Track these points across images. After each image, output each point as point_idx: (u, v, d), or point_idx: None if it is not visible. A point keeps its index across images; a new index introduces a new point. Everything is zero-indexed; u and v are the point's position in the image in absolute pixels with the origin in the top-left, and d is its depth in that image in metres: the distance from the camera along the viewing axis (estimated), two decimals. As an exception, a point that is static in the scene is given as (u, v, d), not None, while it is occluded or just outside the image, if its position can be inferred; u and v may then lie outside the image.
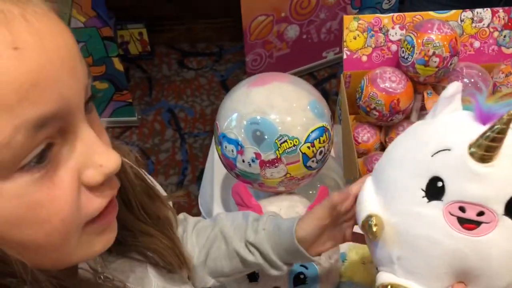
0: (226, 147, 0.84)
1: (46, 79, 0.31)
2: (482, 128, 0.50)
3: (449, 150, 0.50)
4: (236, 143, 0.82)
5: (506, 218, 0.49)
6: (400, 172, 0.55)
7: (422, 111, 1.01)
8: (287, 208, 0.87)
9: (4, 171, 0.31)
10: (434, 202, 0.50)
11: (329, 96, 2.44)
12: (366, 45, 1.00)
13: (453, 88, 0.56)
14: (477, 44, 1.01)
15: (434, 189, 0.51)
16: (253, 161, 0.82)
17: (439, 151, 0.51)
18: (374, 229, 0.53)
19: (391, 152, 0.59)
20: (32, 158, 0.32)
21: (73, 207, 0.34)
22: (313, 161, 0.84)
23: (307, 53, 2.48)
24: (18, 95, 0.30)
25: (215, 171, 1.13)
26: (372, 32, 0.99)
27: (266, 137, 0.80)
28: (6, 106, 0.29)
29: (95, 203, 0.37)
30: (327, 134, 0.84)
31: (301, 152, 0.81)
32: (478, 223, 0.49)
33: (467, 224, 0.49)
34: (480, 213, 0.49)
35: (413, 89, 0.96)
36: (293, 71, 2.47)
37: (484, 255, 0.49)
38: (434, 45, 0.88)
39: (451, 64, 0.91)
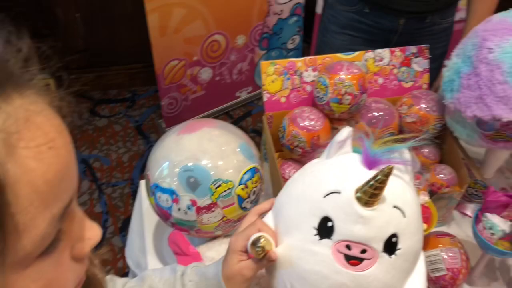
0: (160, 197, 0.84)
1: (68, 173, 0.33)
2: (367, 174, 0.59)
3: (339, 193, 0.58)
4: (171, 192, 0.82)
5: (384, 255, 0.58)
6: (297, 209, 0.62)
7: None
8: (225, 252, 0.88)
9: (29, 260, 0.32)
10: (325, 240, 0.58)
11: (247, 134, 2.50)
12: (283, 87, 1.06)
13: (345, 133, 0.64)
14: (381, 80, 1.11)
15: (325, 229, 0.58)
16: (189, 208, 0.82)
17: (330, 193, 0.59)
18: (258, 249, 0.60)
19: (290, 188, 0.66)
20: (49, 244, 0.33)
21: (72, 280, 0.37)
22: (247, 201, 0.86)
23: (221, 94, 2.55)
24: (54, 191, 0.31)
25: (144, 221, 1.11)
26: (288, 75, 1.06)
27: (200, 183, 0.81)
28: (45, 203, 0.31)
29: (81, 272, 0.39)
30: (258, 174, 0.88)
31: (236, 195, 0.84)
32: (361, 260, 0.58)
33: (352, 260, 0.58)
34: (363, 251, 0.57)
35: (330, 125, 1.04)
36: (209, 112, 2.52)
37: (365, 287, 0.58)
38: (345, 84, 0.97)
39: (361, 100, 1.00)
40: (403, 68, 1.12)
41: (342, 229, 0.57)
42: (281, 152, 1.12)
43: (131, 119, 2.56)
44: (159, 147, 0.88)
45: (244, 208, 0.86)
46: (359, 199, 0.56)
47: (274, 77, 1.05)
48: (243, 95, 2.65)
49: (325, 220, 0.58)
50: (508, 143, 0.98)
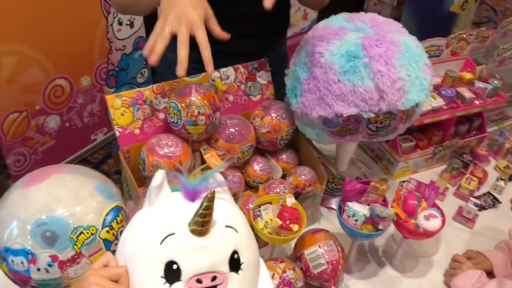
0: (13, 261, 0.74)
1: None
2: (192, 206, 0.62)
3: (173, 234, 0.60)
4: (25, 252, 0.73)
5: (233, 273, 0.62)
6: (138, 267, 0.62)
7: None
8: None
9: None
10: (176, 284, 0.59)
11: (110, 177, 2.38)
12: (135, 119, 1.03)
13: (159, 177, 0.65)
14: (231, 97, 1.14)
15: (172, 273, 0.59)
16: (50, 265, 0.74)
17: (165, 237, 0.60)
18: None
19: (125, 250, 0.65)
20: None
21: None
22: (115, 244, 0.80)
23: (74, 140, 2.38)
24: None
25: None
26: (137, 106, 1.03)
27: (58, 235, 0.73)
28: None
29: None
30: (122, 212, 0.83)
31: (101, 239, 0.77)
32: (214, 287, 0.60)
33: None
34: (214, 278, 0.60)
35: (190, 149, 1.03)
36: (65, 161, 2.34)
37: None
38: (197, 105, 0.97)
39: (215, 119, 1.01)
40: (249, 83, 1.16)
41: (188, 266, 0.59)
42: (145, 186, 1.08)
43: (-27, 186, 2.26)
44: (3, 206, 0.77)
45: (113, 252, 0.80)
46: (193, 231, 0.59)
47: (123, 110, 1.01)
48: (99, 137, 2.52)
49: (170, 264, 0.59)
50: (353, 135, 1.07)
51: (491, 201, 1.34)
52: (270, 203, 1.02)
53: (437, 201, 1.07)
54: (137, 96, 1.03)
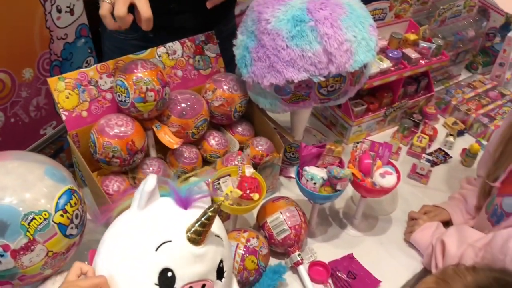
0: (-39, 256, 0.70)
1: None
2: (186, 214, 0.63)
3: (170, 241, 0.60)
4: (-27, 245, 0.69)
5: (218, 281, 0.64)
6: (130, 274, 0.60)
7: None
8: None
9: None
10: None
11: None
12: (81, 101, 0.99)
13: (152, 182, 0.64)
14: (180, 73, 1.12)
15: (166, 280, 0.59)
16: (1, 255, 0.70)
17: (161, 244, 0.59)
18: None
19: (112, 253, 0.62)
20: None
21: None
22: (72, 228, 0.78)
23: (22, 136, 2.27)
24: None
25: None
26: (82, 87, 0.99)
27: (8, 223, 0.70)
28: None
29: None
30: (76, 195, 0.80)
31: (56, 223, 0.75)
32: None
33: None
34: (203, 286, 0.61)
35: (142, 127, 1.00)
36: (14, 159, 2.24)
37: None
38: (145, 81, 0.94)
39: (165, 94, 0.98)
40: (198, 57, 1.14)
41: (183, 274, 0.59)
42: (99, 170, 1.05)
43: None
44: None
45: (70, 236, 0.77)
46: (191, 240, 0.59)
47: (67, 93, 0.97)
48: (49, 131, 2.41)
49: (164, 271, 0.58)
50: (306, 101, 1.07)
51: (442, 157, 1.38)
52: (229, 175, 1.01)
53: (391, 161, 1.10)
54: (81, 77, 0.99)
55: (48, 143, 2.54)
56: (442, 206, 1.16)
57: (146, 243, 0.60)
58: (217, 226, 0.64)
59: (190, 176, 0.71)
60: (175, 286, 0.59)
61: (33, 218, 0.72)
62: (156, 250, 0.59)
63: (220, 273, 0.64)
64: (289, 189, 1.24)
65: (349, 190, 1.15)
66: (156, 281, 0.58)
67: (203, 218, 0.59)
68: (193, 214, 0.62)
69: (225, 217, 1.11)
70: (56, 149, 2.66)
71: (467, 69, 1.77)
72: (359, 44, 1.00)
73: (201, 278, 0.61)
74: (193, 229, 0.59)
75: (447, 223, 1.13)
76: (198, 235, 0.59)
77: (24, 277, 0.75)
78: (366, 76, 1.13)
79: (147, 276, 0.59)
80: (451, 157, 1.39)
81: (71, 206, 0.78)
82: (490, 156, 1.10)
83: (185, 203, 0.65)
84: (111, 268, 0.61)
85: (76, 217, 0.79)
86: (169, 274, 0.58)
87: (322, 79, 0.99)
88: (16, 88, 2.21)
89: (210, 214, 0.59)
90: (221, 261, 0.64)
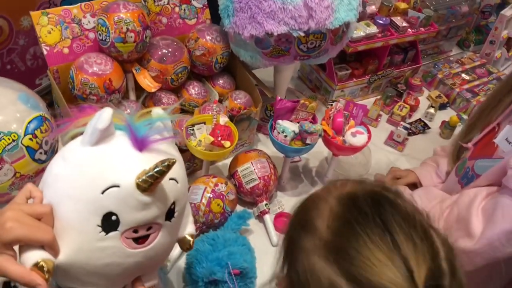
0: None
1: None
2: (140, 157, 0.58)
3: (118, 186, 0.55)
4: None
5: (166, 222, 0.62)
6: (73, 211, 0.57)
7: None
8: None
9: None
10: (112, 233, 0.57)
11: (56, 121, 2.32)
12: (63, 37, 1.01)
13: (107, 118, 0.56)
14: (164, 20, 1.13)
15: (110, 223, 0.57)
16: (-30, 171, 0.73)
17: (108, 187, 0.55)
18: (47, 275, 0.54)
19: (57, 185, 0.59)
20: None
21: None
22: (41, 153, 0.81)
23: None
24: None
25: None
26: (65, 24, 1.00)
27: (-24, 140, 0.73)
28: None
29: None
30: (47, 123, 0.83)
31: (24, 146, 0.77)
32: (147, 236, 0.60)
33: (141, 239, 0.60)
34: (149, 228, 0.60)
35: (121, 68, 1.02)
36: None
37: (153, 255, 0.62)
38: (126, 21, 0.96)
39: (146, 37, 1.00)
40: (184, 6, 1.15)
41: (128, 220, 0.57)
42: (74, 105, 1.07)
43: None
44: None
45: (38, 161, 0.80)
46: (140, 187, 0.55)
47: (50, 28, 0.99)
48: (45, 81, 2.44)
49: (109, 215, 0.56)
50: (285, 56, 1.08)
51: (421, 127, 1.40)
52: (205, 123, 1.04)
53: (370, 128, 1.11)
54: (65, 14, 1.00)
55: (44, 93, 2.56)
56: (411, 169, 1.18)
57: (92, 184, 0.56)
58: (174, 169, 0.58)
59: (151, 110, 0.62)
60: (118, 229, 0.57)
61: (2, 138, 0.75)
62: (102, 193, 0.55)
63: (170, 215, 0.62)
64: (267, 146, 1.27)
65: (325, 151, 1.17)
66: (99, 223, 0.56)
67: (154, 171, 0.54)
68: (147, 159, 0.58)
69: (199, 166, 1.14)
70: (51, 99, 2.68)
71: (460, 46, 1.77)
72: (341, 2, 1.01)
73: (147, 222, 0.58)
74: (142, 177, 0.55)
75: (415, 186, 1.15)
76: (148, 185, 0.55)
77: (-9, 195, 0.78)
78: (348, 37, 1.14)
79: (90, 217, 0.56)
80: (429, 128, 1.41)
81: (42, 132, 0.80)
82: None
83: (140, 145, 0.58)
84: (56, 201, 0.58)
85: (46, 144, 0.82)
86: (114, 218, 0.56)
87: (302, 34, 1.00)
88: (13, 35, 2.22)
89: (161, 169, 0.54)
90: (173, 203, 0.61)
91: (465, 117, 1.44)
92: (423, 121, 1.42)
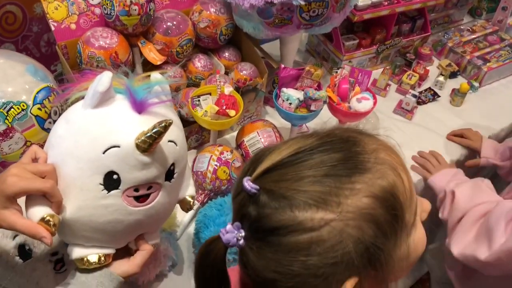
0: None
1: None
2: (140, 119, 0.60)
3: (118, 147, 0.58)
4: (-43, 127, 0.76)
5: (166, 182, 0.65)
6: (76, 170, 0.60)
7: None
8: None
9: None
10: (114, 192, 0.60)
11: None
12: (70, 13, 1.03)
13: (106, 81, 0.58)
14: (169, -6, 1.14)
15: (111, 182, 0.60)
16: (-17, 139, 0.77)
17: (109, 148, 0.58)
18: (53, 229, 0.57)
19: (60, 146, 0.61)
20: None
21: None
22: (50, 122, 0.83)
23: (33, 70, 2.35)
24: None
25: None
26: (71, 0, 1.03)
27: (-12, 109, 0.76)
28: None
29: None
30: (55, 93, 0.85)
31: (33, 115, 0.80)
32: (148, 195, 0.63)
33: (142, 198, 0.63)
34: (150, 187, 0.63)
35: (127, 42, 1.04)
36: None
37: (154, 214, 0.66)
38: (129, -6, 0.98)
39: (150, 9, 1.02)
40: (189, -19, 1.16)
41: (128, 179, 0.60)
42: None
43: None
44: None
45: (48, 130, 0.83)
46: (139, 148, 0.58)
47: (57, 4, 1.01)
48: (59, 68, 2.49)
49: (110, 174, 0.59)
50: (288, 26, 1.09)
51: (431, 96, 1.39)
52: (210, 94, 1.05)
53: (378, 97, 1.11)
54: (70, -10, 1.03)
55: (58, 80, 2.60)
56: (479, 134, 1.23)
57: (94, 144, 0.58)
58: (172, 132, 0.61)
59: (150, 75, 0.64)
60: (120, 187, 0.59)
61: (11, 107, 0.78)
62: (104, 153, 0.58)
63: (169, 175, 0.65)
64: (274, 118, 1.27)
65: (332, 122, 1.17)
66: (101, 181, 0.59)
67: (152, 132, 0.57)
68: (146, 121, 0.60)
69: (207, 139, 1.16)
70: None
71: (471, 14, 1.74)
72: (342, -33, 1.00)
73: (147, 181, 0.61)
74: (142, 138, 0.57)
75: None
76: (147, 145, 0.58)
77: (4, 163, 0.81)
78: (351, 5, 1.13)
79: (93, 176, 0.59)
80: (439, 96, 1.40)
81: (50, 102, 0.83)
82: None
83: (139, 108, 0.61)
84: (59, 161, 0.61)
85: (55, 114, 0.85)
86: (115, 176, 0.59)
87: (302, 2, 1.01)
88: (27, 22, 2.26)
89: (159, 129, 0.57)
90: (172, 165, 0.64)
91: (476, 84, 1.42)
92: (432, 90, 1.41)
